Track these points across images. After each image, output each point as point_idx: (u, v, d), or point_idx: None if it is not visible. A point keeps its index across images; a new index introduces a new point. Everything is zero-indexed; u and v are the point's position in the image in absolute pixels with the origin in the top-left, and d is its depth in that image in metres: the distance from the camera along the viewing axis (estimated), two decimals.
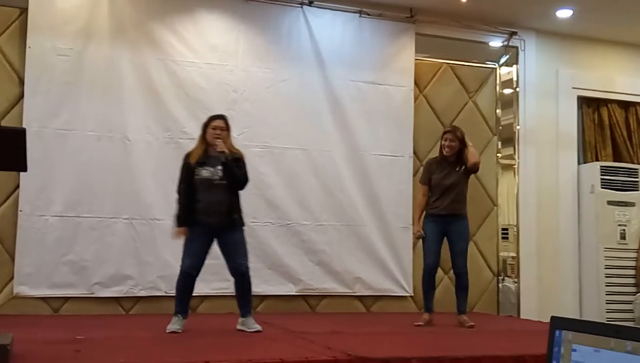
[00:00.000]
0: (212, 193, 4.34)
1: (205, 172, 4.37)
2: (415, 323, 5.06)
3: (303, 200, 6.12)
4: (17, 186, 5.41)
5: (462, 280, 5.15)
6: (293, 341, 4.08)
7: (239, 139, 5.94)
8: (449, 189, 5.10)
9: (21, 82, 5.51)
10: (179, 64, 5.89)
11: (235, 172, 4.35)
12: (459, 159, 5.16)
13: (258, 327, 4.38)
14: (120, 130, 5.68)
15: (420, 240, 5.28)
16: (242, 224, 4.45)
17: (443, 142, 5.17)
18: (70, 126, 5.55)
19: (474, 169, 5.18)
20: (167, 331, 4.22)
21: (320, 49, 6.29)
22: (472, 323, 5.07)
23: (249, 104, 6.00)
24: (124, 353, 3.31)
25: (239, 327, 4.43)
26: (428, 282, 5.15)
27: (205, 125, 4.50)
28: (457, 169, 5.15)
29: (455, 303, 5.20)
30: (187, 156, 4.51)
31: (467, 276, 5.16)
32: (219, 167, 4.35)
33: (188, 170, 4.43)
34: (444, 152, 5.15)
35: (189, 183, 4.39)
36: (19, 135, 3.14)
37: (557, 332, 1.15)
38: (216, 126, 4.43)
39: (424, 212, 5.24)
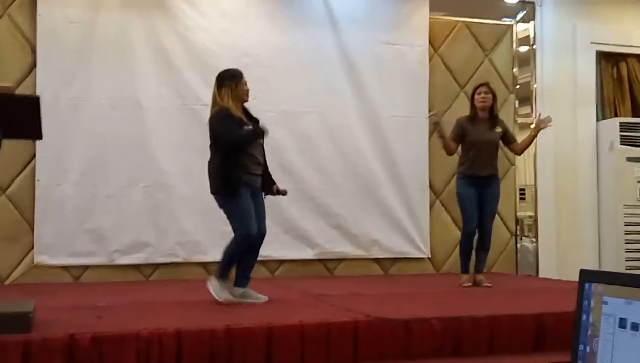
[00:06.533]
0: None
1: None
2: (464, 285, 5.05)
3: (318, 163, 6.09)
4: (33, 156, 5.43)
5: (486, 240, 5.13)
6: (312, 304, 4.09)
7: (252, 103, 5.89)
8: (485, 147, 5.00)
9: (33, 51, 5.49)
10: (190, 29, 5.83)
11: None
12: (492, 116, 5.07)
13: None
14: (134, 98, 5.66)
15: (458, 204, 5.14)
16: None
17: (477, 96, 5.06)
18: (84, 95, 5.54)
19: (518, 153, 5.38)
20: (224, 301, 3.99)
21: (333, 9, 6.19)
22: (490, 284, 5.07)
23: (262, 68, 5.92)
24: (145, 319, 3.34)
25: None
26: (470, 245, 5.11)
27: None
28: (494, 129, 5.05)
29: (475, 262, 5.19)
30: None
31: (490, 237, 5.16)
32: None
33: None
34: (479, 107, 5.03)
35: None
36: (33, 103, 3.12)
37: (587, 285, 1.12)
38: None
39: (460, 175, 5.13)
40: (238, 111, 4.10)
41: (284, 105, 5.96)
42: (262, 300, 4.09)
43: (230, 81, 4.12)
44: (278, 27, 6.07)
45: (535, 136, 5.20)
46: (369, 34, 6.26)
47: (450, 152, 5.13)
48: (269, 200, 4.36)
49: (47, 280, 5.31)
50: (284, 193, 4.41)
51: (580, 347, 1.11)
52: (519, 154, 5.44)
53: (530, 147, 6.71)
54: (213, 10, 5.92)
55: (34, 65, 5.46)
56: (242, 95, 4.15)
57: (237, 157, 4.03)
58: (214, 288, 4.04)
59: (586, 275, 1.13)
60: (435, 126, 5.02)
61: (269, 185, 4.31)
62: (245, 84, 4.18)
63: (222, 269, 4.09)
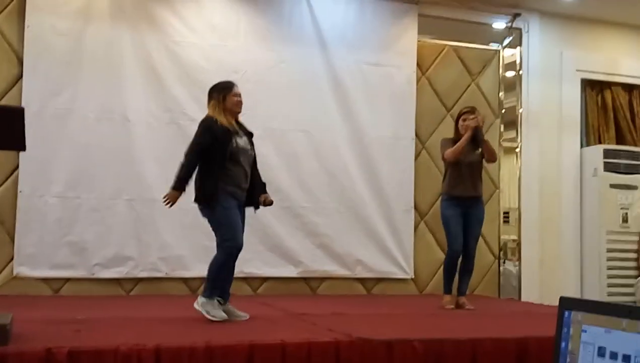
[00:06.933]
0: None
1: (241, 142, 4.10)
2: (447, 307, 5.06)
3: (304, 182, 6.09)
4: (17, 167, 5.38)
5: (469, 262, 5.15)
6: (294, 323, 4.07)
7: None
8: (469, 168, 5.04)
9: (20, 62, 5.46)
10: (180, 44, 5.84)
11: None
12: (474, 140, 5.10)
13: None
14: (121, 111, 5.64)
15: (443, 226, 5.14)
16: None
17: (462, 122, 5.10)
18: (70, 107, 5.51)
19: (489, 159, 5.21)
20: (219, 319, 3.90)
21: (322, 29, 6.23)
22: (472, 307, 5.07)
23: (250, 85, 5.91)
24: (124, 334, 3.30)
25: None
26: (454, 266, 5.12)
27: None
28: (476, 151, 5.10)
29: (458, 284, 5.19)
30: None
31: (474, 259, 5.18)
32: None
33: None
34: (463, 132, 5.06)
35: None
36: (17, 114, 3.10)
37: (567, 313, 1.12)
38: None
39: (445, 196, 5.14)
40: (229, 123, 4.07)
41: (271, 123, 5.96)
42: (244, 318, 4.06)
43: (218, 93, 4.13)
44: (267, 44, 6.09)
45: (479, 138, 5.07)
46: (357, 55, 6.30)
47: (458, 156, 5.00)
48: (252, 217, 4.33)
49: (26, 292, 5.24)
50: (270, 203, 4.31)
51: None
52: (490, 160, 5.21)
53: (514, 171, 6.84)
54: (203, 26, 5.93)
55: (21, 76, 5.43)
56: (230, 107, 4.11)
57: (225, 168, 3.98)
58: (204, 307, 3.93)
59: (566, 303, 1.13)
60: (474, 130, 5.01)
61: (259, 197, 4.22)
62: (236, 95, 4.14)
63: (210, 286, 3.99)
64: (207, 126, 4.06)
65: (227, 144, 3.98)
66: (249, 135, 4.22)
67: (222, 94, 4.11)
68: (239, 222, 4.05)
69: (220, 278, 4.01)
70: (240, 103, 4.17)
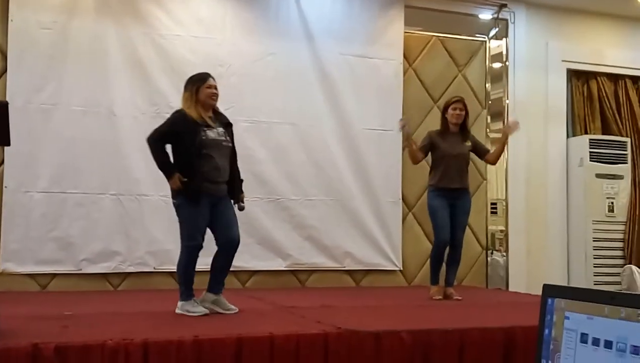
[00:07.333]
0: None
1: (212, 134, 4.01)
2: (435, 297, 5.07)
3: (292, 174, 6.08)
4: (2, 162, 5.35)
5: (456, 253, 5.18)
6: (283, 316, 4.07)
7: (226, 113, 5.88)
8: (456, 159, 5.07)
9: (4, 56, 5.41)
10: (166, 37, 5.81)
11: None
12: (462, 130, 5.14)
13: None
14: (106, 105, 5.60)
15: (430, 216, 5.18)
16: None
17: (451, 111, 5.10)
18: (55, 101, 5.47)
19: (493, 162, 5.42)
20: (201, 314, 3.89)
21: (309, 21, 6.21)
22: (460, 297, 5.10)
23: (236, 77, 5.92)
24: (112, 329, 3.29)
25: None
26: (441, 256, 5.15)
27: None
28: (464, 143, 5.14)
29: (445, 275, 5.22)
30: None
31: (461, 250, 5.20)
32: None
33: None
34: (452, 122, 5.10)
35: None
36: (1, 109, 3.07)
37: (550, 300, 1.13)
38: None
39: (431, 187, 5.17)
40: (204, 115, 4.00)
41: (258, 116, 5.96)
42: (233, 311, 4.06)
43: (192, 85, 4.06)
44: (254, 37, 6.07)
45: (505, 142, 5.29)
46: (344, 47, 6.29)
47: (415, 161, 5.23)
48: (241, 211, 4.30)
49: (13, 288, 5.21)
50: (240, 208, 4.21)
51: (543, 362, 1.11)
52: (494, 163, 5.48)
53: (501, 162, 6.85)
54: (189, 19, 5.90)
55: (5, 70, 5.39)
56: (204, 99, 4.02)
57: (196, 164, 3.91)
58: (183, 308, 3.95)
59: (549, 290, 1.13)
60: (403, 129, 5.24)
61: (238, 194, 4.18)
62: (210, 87, 4.05)
63: (183, 288, 3.99)
64: (173, 118, 4.04)
65: (195, 137, 3.90)
66: (227, 126, 4.15)
67: (196, 85, 4.04)
68: (201, 222, 3.97)
69: (189, 278, 3.99)
70: (214, 95, 4.08)
